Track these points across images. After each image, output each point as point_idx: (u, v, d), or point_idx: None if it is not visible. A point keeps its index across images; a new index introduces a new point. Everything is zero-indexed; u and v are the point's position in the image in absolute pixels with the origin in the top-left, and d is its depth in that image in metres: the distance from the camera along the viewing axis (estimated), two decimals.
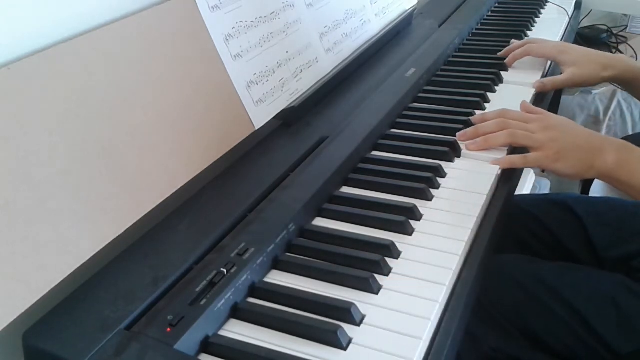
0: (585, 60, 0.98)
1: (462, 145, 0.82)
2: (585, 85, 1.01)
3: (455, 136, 0.83)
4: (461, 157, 0.81)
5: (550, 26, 1.31)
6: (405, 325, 0.53)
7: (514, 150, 0.82)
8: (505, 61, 1.07)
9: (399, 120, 0.89)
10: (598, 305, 0.78)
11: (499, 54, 1.11)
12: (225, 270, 0.56)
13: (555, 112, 1.78)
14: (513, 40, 1.15)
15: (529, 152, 0.79)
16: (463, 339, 0.57)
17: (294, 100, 0.85)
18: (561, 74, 1.02)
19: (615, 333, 0.75)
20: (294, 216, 0.64)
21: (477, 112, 0.90)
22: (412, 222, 0.66)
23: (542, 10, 1.41)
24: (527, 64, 1.08)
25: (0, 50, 0.55)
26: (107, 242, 0.57)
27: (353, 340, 0.51)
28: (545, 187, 1.67)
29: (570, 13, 1.40)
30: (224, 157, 0.73)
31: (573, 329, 0.77)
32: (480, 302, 0.61)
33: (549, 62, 1.10)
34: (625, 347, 0.74)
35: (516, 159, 0.79)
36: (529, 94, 0.98)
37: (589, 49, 1.04)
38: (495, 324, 0.82)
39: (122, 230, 0.59)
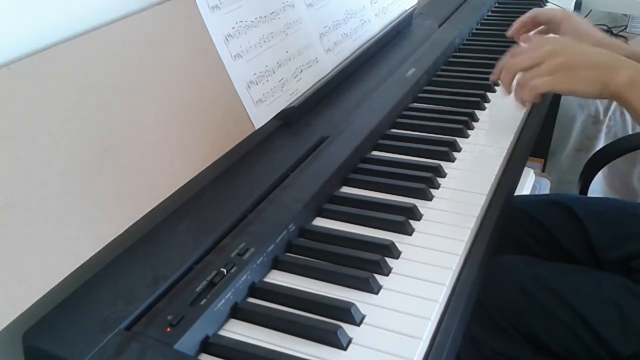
0: (584, 31, 0.94)
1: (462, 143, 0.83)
2: None
3: (455, 136, 0.83)
4: (462, 152, 0.81)
5: None
6: (405, 325, 0.53)
7: None
8: (516, 37, 1.03)
9: (399, 120, 0.89)
10: (599, 307, 0.77)
11: (508, 33, 1.05)
12: (225, 270, 0.56)
13: (555, 112, 1.78)
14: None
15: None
16: (463, 341, 0.57)
17: (294, 100, 0.85)
18: None
19: (617, 335, 0.75)
20: (294, 216, 0.64)
21: (477, 112, 0.91)
22: (412, 222, 0.66)
23: None
24: None
25: (0, 50, 0.55)
26: (107, 242, 0.57)
27: (353, 340, 0.51)
28: (545, 187, 1.67)
29: None
30: (224, 157, 0.73)
31: (574, 331, 0.77)
32: (481, 303, 0.61)
33: None
34: (628, 349, 0.74)
35: (539, 83, 0.74)
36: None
37: (592, 26, 1.01)
38: (496, 326, 0.82)
39: (122, 230, 0.59)
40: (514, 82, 0.80)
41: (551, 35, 0.94)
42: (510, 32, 1.05)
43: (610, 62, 0.73)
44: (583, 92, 0.74)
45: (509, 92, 0.80)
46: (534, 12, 1.02)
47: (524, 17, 1.03)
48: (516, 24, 1.04)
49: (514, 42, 1.16)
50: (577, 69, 0.74)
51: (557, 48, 0.76)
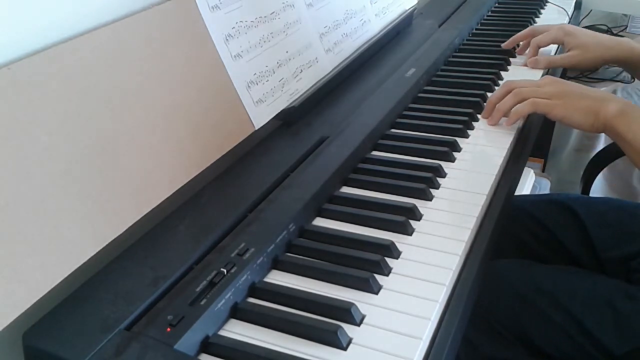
0: (591, 42, 0.99)
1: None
2: (586, 66, 1.02)
3: (455, 136, 0.84)
4: (462, 152, 0.81)
5: None
6: (405, 325, 0.53)
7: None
8: (526, 62, 1.08)
9: (399, 120, 0.89)
10: (594, 308, 0.77)
11: (503, 45, 1.11)
12: (225, 270, 0.56)
13: None
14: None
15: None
16: (460, 344, 0.57)
17: (294, 100, 0.85)
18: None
19: (612, 336, 0.75)
20: (294, 216, 0.64)
21: (477, 112, 0.90)
22: (412, 222, 0.66)
23: (542, 10, 1.41)
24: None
25: (0, 50, 0.55)
26: (107, 242, 0.57)
27: (353, 340, 0.51)
28: (545, 187, 1.67)
29: (570, 13, 1.40)
30: (224, 157, 0.73)
31: (569, 333, 0.77)
32: (476, 308, 0.61)
33: None
34: (622, 348, 0.74)
35: (523, 106, 0.81)
36: None
37: (594, 32, 1.04)
38: (492, 331, 0.82)
39: (122, 230, 0.59)
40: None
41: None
42: (505, 45, 1.11)
43: (601, 95, 0.79)
44: (574, 120, 0.79)
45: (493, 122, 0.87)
46: (535, 40, 1.06)
47: (522, 36, 1.07)
48: (514, 38, 1.10)
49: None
50: (571, 99, 0.79)
51: (555, 80, 0.82)
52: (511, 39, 1.11)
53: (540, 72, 1.05)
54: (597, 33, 1.03)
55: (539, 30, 1.08)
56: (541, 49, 1.07)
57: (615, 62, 1.01)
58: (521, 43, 1.12)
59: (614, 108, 0.76)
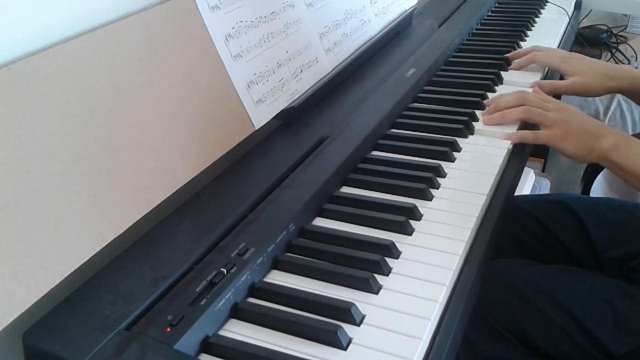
0: (589, 70, 0.98)
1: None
2: (587, 95, 1.01)
3: (455, 136, 0.84)
4: (462, 152, 0.81)
5: (550, 26, 1.31)
6: (405, 325, 0.53)
7: (524, 126, 0.87)
8: (510, 67, 1.08)
9: (399, 120, 0.89)
10: (594, 308, 0.78)
11: (506, 55, 1.10)
12: (225, 270, 0.56)
13: None
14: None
15: (539, 130, 0.84)
16: (460, 344, 0.57)
17: (294, 100, 0.85)
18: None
19: (611, 336, 0.75)
20: (294, 216, 0.64)
21: (477, 112, 0.91)
22: (412, 222, 0.66)
23: (542, 10, 1.41)
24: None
25: (0, 50, 0.55)
26: (107, 242, 0.57)
27: (353, 340, 0.51)
28: (545, 187, 1.67)
29: (570, 13, 1.40)
30: (224, 157, 0.73)
31: (569, 333, 0.77)
32: (476, 307, 0.61)
33: None
34: (621, 349, 0.74)
35: (528, 135, 0.83)
36: None
37: (595, 59, 1.03)
38: (491, 330, 0.82)
39: (122, 230, 0.59)
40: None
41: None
42: (509, 55, 1.10)
43: (598, 130, 0.80)
44: (569, 152, 0.81)
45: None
46: (532, 55, 1.06)
47: (524, 52, 1.08)
48: (515, 53, 1.10)
49: (514, 42, 1.17)
50: (570, 130, 0.81)
51: (561, 106, 0.84)
52: (513, 52, 1.10)
53: (538, 75, 1.05)
54: (596, 60, 1.02)
55: (541, 49, 1.07)
56: (533, 65, 1.07)
57: (618, 91, 1.01)
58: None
59: (608, 143, 0.78)
